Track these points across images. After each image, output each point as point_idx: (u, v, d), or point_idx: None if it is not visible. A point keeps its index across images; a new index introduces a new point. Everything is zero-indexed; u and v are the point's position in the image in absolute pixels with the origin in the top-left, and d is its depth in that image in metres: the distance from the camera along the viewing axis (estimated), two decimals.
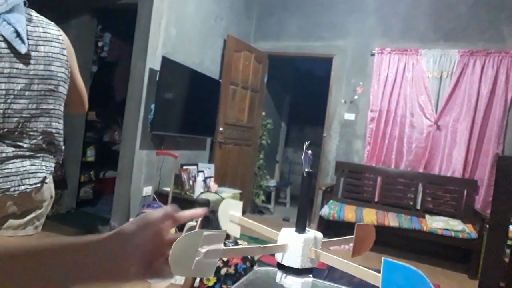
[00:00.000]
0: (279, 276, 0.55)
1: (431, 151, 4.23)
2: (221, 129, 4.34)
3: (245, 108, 4.79)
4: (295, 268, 0.54)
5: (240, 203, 0.62)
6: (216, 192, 3.69)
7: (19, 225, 1.17)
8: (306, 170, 0.59)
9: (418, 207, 4.20)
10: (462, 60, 4.09)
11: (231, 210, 0.61)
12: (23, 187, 1.12)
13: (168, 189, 3.39)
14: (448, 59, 4.17)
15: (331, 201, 4.35)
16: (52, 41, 1.16)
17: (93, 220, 3.66)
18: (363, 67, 4.59)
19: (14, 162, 1.10)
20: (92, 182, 4.32)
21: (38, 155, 1.17)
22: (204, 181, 3.79)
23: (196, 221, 2.95)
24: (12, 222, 1.16)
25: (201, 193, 3.53)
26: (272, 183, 5.61)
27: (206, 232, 0.45)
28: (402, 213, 4.14)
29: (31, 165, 1.14)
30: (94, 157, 4.27)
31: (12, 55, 1.06)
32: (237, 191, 4.10)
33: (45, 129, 1.16)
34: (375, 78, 4.48)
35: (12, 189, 1.10)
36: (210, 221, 2.84)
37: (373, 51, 4.49)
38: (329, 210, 4.01)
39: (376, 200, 4.38)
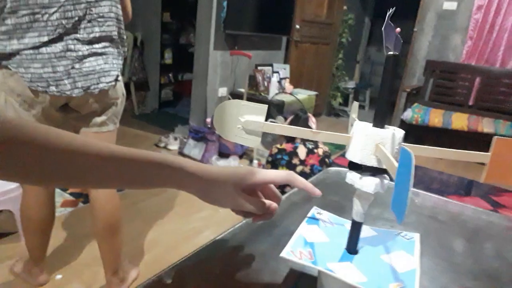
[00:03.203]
0: (349, 175, 0.45)
1: None
2: (297, 26, 4.03)
3: (324, 2, 4.31)
4: (368, 166, 0.43)
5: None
6: (291, 94, 3.58)
7: (102, 122, 1.30)
8: (391, 53, 0.43)
9: None
10: None
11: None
12: (101, 85, 1.20)
13: (242, 90, 3.37)
14: None
15: (415, 104, 3.98)
16: None
17: (174, 119, 3.88)
18: None
19: (90, 61, 1.17)
20: (172, 84, 4.49)
21: (108, 51, 1.22)
22: (279, 82, 3.67)
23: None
24: (96, 120, 1.28)
25: (276, 94, 3.45)
26: (351, 84, 5.28)
27: (244, 103, 0.47)
28: (501, 118, 3.65)
29: (105, 63, 1.20)
30: (171, 60, 4.35)
31: None
32: (313, 93, 3.94)
33: (108, 13, 1.19)
34: None
35: (92, 87, 1.19)
36: (299, 118, 2.80)
37: None
38: (412, 113, 3.69)
39: (470, 103, 3.89)
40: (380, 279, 0.42)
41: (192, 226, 2.07)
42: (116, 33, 1.23)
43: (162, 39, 4.12)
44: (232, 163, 2.86)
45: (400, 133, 0.43)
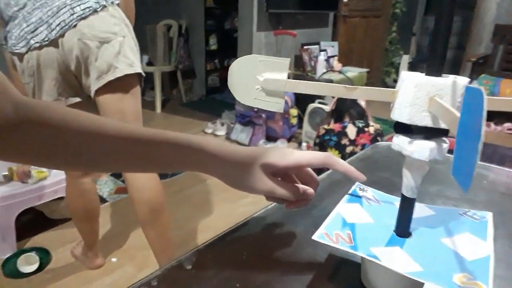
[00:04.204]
0: (396, 140, 0.36)
1: None
2: (345, 0, 3.80)
3: None
4: (420, 127, 0.34)
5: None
6: (340, 72, 3.40)
7: (109, 65, 1.09)
8: None
9: None
10: None
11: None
12: (76, 15, 1.05)
13: (288, 70, 3.26)
14: None
15: (482, 75, 3.59)
16: None
17: (221, 105, 3.88)
18: None
19: (60, 2, 1.06)
20: (218, 71, 4.48)
21: None
22: (327, 60, 3.50)
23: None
24: (100, 65, 1.09)
25: (323, 73, 3.30)
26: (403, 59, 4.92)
27: (262, 58, 0.39)
28: None
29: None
30: (216, 46, 4.34)
31: None
32: (364, 70, 3.71)
33: None
34: None
35: (68, 21, 1.05)
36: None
37: None
38: (479, 86, 3.32)
39: None
40: (440, 268, 0.33)
41: (241, 210, 2.04)
42: None
43: (206, 26, 4.12)
44: (280, 147, 2.79)
45: (463, 81, 0.33)
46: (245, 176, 0.42)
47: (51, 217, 1.89)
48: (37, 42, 1.06)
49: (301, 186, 0.44)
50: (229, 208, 2.07)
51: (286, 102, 2.96)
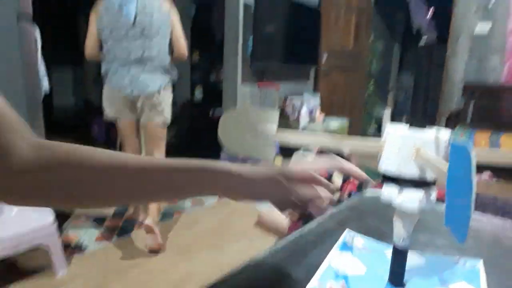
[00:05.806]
0: (385, 190, 0.38)
1: None
2: (324, 56, 4.02)
3: (350, 31, 4.31)
4: (405, 179, 0.35)
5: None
6: (322, 122, 3.50)
7: (152, 116, 2.00)
8: (426, 37, 0.37)
9: None
10: None
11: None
12: (147, 91, 1.95)
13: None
14: None
15: (457, 127, 3.76)
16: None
17: (206, 154, 3.89)
18: None
19: (143, 77, 1.93)
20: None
21: (155, 72, 1.96)
22: (309, 112, 3.62)
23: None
24: (149, 113, 2.00)
25: (306, 124, 3.39)
26: (386, 112, 5.13)
27: (253, 109, 0.37)
28: None
29: (150, 78, 1.95)
30: (202, 97, 4.44)
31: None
32: (346, 121, 3.84)
33: (157, 54, 1.95)
34: None
35: (142, 91, 1.94)
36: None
37: None
38: (455, 138, 3.47)
39: None
40: None
41: (227, 258, 1.97)
42: (163, 64, 1.99)
43: (192, 78, 4.23)
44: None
45: (445, 135, 0.36)
46: (267, 184, 0.42)
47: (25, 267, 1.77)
48: (124, 93, 1.94)
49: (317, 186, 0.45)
50: (215, 255, 2.01)
51: None
